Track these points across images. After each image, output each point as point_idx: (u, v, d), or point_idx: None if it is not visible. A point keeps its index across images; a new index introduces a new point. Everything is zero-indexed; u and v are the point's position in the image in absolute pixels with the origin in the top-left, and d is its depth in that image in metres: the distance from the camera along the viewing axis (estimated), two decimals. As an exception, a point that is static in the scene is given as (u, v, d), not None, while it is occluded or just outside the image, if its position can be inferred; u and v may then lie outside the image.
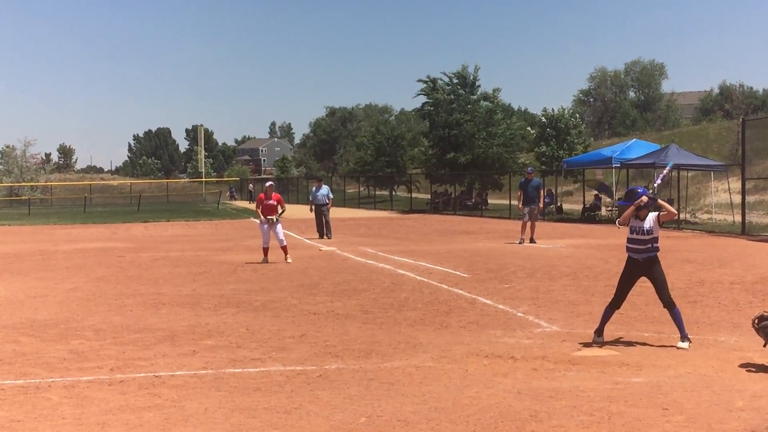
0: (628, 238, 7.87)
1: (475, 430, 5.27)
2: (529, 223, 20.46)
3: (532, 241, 20.31)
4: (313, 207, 23.76)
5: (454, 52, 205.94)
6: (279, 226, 16.40)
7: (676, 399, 5.91)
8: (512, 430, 5.25)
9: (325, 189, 23.96)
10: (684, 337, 7.71)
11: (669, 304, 7.76)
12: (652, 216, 7.75)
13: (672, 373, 6.72)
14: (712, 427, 5.27)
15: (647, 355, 7.45)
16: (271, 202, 16.40)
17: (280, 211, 16.44)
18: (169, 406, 5.90)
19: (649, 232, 7.68)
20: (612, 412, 5.60)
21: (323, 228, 23.26)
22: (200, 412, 5.76)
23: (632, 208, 7.59)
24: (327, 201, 23.64)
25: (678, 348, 7.58)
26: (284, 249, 16.37)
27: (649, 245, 7.70)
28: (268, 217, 16.37)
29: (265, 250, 16.40)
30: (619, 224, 7.83)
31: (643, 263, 7.80)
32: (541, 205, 21.41)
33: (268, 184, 17.05)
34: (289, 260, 16.16)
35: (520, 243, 20.12)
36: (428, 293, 11.71)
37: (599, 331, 7.98)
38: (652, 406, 5.74)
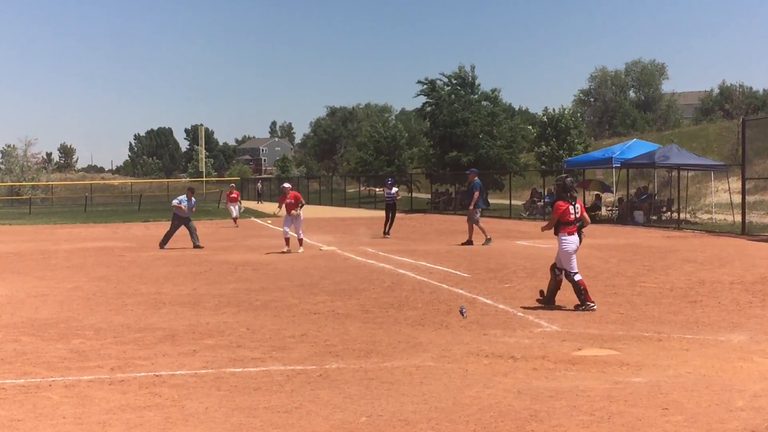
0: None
1: (475, 429, 5.28)
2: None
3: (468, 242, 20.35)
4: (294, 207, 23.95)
5: (455, 51, 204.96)
6: (299, 221, 18.68)
7: (676, 399, 5.91)
8: (512, 430, 5.26)
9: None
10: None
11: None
12: None
13: (672, 373, 6.73)
14: (712, 426, 5.27)
15: (647, 354, 7.45)
16: (289, 200, 18.73)
17: (299, 206, 18.61)
18: (170, 406, 5.91)
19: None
20: (612, 411, 5.60)
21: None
22: (201, 411, 5.77)
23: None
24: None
25: None
26: (300, 241, 18.68)
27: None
28: (292, 212, 18.69)
29: (286, 240, 18.57)
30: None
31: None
32: (471, 206, 21.45)
33: (285, 185, 19.59)
34: (301, 250, 18.28)
35: (485, 243, 20.04)
36: (428, 293, 11.71)
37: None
38: (652, 405, 5.75)
